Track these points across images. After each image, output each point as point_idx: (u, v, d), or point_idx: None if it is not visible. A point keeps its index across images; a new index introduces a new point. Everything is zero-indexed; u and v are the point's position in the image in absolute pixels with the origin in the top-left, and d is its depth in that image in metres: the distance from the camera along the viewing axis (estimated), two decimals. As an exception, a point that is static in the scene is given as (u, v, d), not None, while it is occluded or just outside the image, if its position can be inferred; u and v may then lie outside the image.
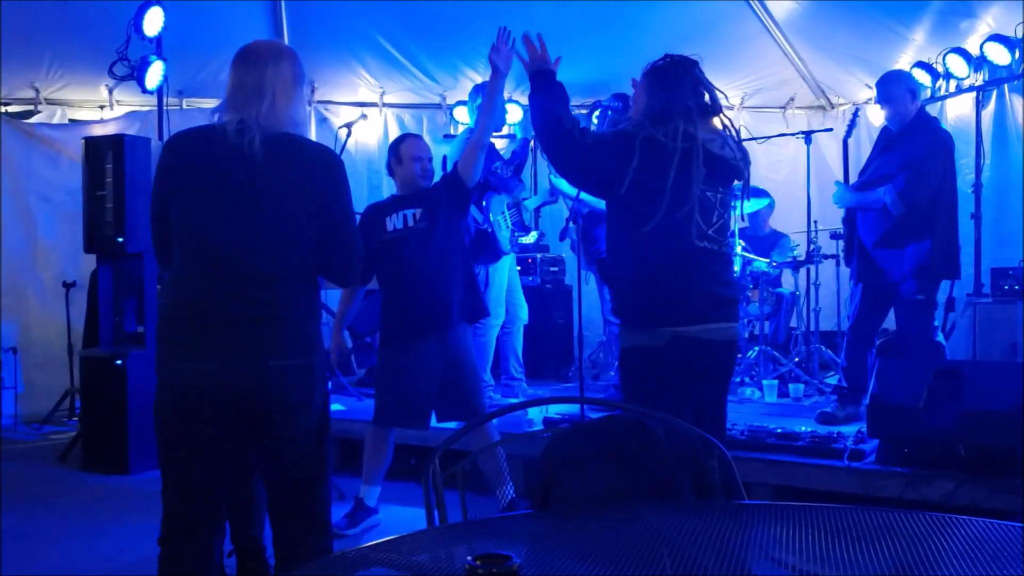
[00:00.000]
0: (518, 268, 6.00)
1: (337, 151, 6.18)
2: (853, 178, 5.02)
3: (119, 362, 5.34)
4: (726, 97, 2.97)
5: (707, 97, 2.87)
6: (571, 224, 5.23)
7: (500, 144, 6.99)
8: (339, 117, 7.50)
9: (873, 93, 7.38)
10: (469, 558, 1.16)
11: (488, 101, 3.74)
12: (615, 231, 2.95)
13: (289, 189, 2.30)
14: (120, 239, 5.39)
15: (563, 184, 5.13)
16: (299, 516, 2.40)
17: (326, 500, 2.46)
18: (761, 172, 7.63)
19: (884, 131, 4.69)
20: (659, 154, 2.74)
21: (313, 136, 7.64)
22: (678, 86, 2.83)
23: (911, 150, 4.41)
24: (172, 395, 2.32)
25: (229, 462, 2.39)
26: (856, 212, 4.66)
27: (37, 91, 7.08)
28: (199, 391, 2.28)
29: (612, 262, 2.97)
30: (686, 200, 2.74)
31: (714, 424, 3.03)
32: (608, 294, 3.16)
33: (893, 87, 4.54)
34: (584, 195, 5.02)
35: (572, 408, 4.80)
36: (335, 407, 5.58)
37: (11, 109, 7.06)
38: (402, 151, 4.07)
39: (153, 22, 5.65)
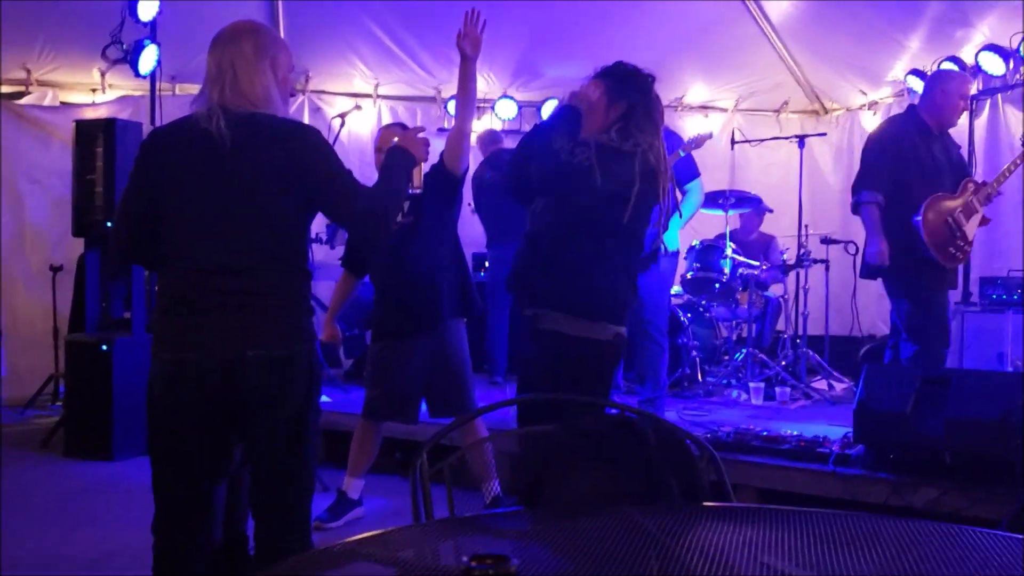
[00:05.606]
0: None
1: (330, 141, 6.18)
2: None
3: (104, 347, 5.31)
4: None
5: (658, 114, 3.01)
6: None
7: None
8: (333, 107, 7.48)
9: (867, 99, 7.43)
10: (465, 558, 1.14)
11: (462, 89, 3.68)
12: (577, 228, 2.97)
13: (258, 173, 2.25)
14: (109, 224, 5.35)
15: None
16: (276, 508, 2.37)
17: (304, 492, 2.42)
18: (753, 175, 7.66)
19: (923, 123, 4.43)
20: (651, 176, 2.87)
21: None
22: (652, 99, 2.96)
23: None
24: (156, 387, 2.34)
25: (215, 454, 2.37)
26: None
27: (28, 72, 7.00)
28: (178, 382, 2.29)
29: (564, 254, 2.94)
30: (648, 213, 2.94)
31: None
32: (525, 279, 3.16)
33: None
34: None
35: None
36: (321, 399, 5.55)
37: (2, 89, 6.98)
38: (377, 143, 4.02)
39: (148, 6, 5.63)
